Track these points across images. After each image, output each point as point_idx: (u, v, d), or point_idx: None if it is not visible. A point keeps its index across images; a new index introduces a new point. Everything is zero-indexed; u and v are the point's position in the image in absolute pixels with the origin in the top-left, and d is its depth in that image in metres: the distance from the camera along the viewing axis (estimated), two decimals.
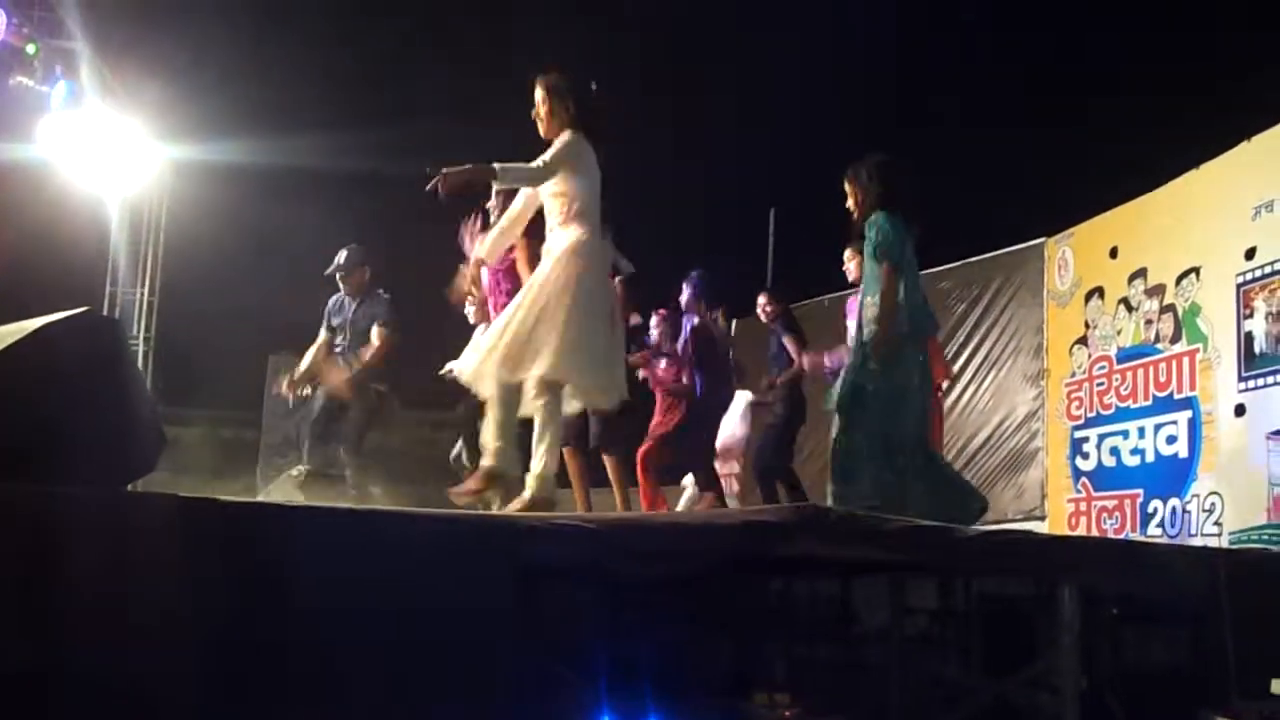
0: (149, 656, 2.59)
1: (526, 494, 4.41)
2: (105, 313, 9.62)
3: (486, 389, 4.57)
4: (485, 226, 5.73)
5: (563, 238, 4.61)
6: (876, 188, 5.05)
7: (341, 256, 6.94)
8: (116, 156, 9.80)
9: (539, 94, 4.75)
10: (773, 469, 6.97)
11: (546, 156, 4.58)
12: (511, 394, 4.52)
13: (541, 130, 4.77)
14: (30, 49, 9.02)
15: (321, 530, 3.04)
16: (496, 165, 4.54)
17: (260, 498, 7.00)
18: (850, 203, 5.16)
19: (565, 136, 4.64)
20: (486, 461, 4.52)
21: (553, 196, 4.66)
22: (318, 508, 4.43)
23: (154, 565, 2.63)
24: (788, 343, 7.05)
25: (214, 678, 2.65)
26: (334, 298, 7.04)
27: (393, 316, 6.87)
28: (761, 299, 7.43)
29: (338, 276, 6.94)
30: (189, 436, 11.33)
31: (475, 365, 4.61)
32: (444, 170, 4.45)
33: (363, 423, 6.87)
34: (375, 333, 6.81)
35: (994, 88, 12.18)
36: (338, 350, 6.94)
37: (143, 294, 10.60)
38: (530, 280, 4.67)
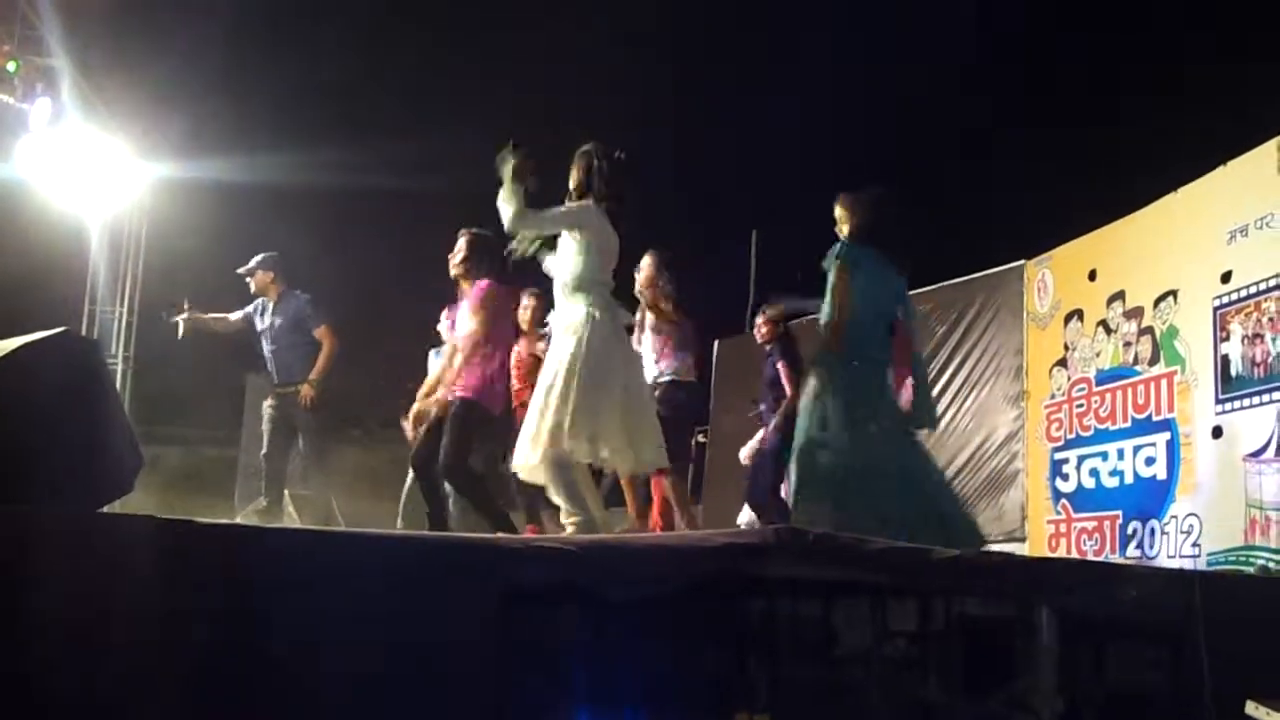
0: (124, 678, 2.57)
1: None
2: (84, 332, 9.58)
3: (542, 476, 4.78)
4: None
5: (572, 310, 4.80)
6: (860, 219, 5.09)
7: (254, 260, 7.09)
8: (97, 175, 9.75)
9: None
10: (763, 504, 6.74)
11: (544, 213, 4.81)
12: (563, 470, 4.72)
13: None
14: (11, 66, 8.97)
15: (303, 552, 3.03)
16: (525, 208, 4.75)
17: (239, 519, 6.96)
18: (838, 227, 5.19)
19: (573, 206, 4.85)
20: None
21: (560, 262, 4.86)
22: (298, 530, 4.41)
23: (130, 587, 2.62)
24: (782, 370, 6.71)
25: (191, 700, 2.63)
26: (255, 303, 7.18)
27: (326, 316, 6.99)
28: (760, 319, 7.10)
29: (246, 276, 7.08)
30: (167, 456, 11.23)
31: (526, 457, 4.76)
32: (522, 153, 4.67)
33: (319, 428, 6.96)
34: (322, 333, 6.92)
35: (975, 111, 12.28)
36: (271, 351, 7.01)
37: (122, 313, 10.53)
38: (550, 365, 4.80)
